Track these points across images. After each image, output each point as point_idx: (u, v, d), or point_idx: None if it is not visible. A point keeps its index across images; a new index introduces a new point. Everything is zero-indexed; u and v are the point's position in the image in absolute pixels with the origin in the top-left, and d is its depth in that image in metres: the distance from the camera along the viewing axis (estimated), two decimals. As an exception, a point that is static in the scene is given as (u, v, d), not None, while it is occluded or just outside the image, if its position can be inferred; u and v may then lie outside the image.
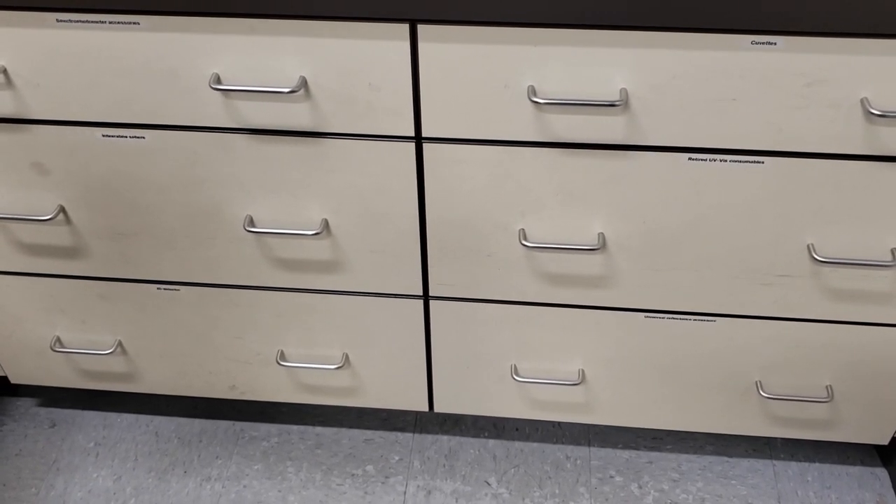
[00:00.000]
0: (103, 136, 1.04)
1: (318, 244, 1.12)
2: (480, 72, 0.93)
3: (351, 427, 1.47)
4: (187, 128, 1.02)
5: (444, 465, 1.41)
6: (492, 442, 1.44)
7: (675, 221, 1.04)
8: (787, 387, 1.21)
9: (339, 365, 1.25)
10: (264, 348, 1.27)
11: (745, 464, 1.40)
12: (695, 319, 1.15)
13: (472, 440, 1.44)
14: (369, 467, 1.41)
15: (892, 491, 1.36)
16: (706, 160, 0.98)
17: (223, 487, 1.38)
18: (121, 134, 1.03)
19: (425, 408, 1.34)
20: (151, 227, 1.12)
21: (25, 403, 1.51)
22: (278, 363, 1.26)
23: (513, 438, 1.45)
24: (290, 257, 1.14)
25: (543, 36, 0.90)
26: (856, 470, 1.39)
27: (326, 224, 1.09)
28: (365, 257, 1.13)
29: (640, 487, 1.37)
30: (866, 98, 0.90)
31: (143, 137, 1.03)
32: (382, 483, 1.38)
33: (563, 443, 1.44)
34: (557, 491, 1.37)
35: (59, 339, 1.29)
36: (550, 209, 1.04)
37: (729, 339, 1.16)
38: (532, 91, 0.92)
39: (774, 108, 0.92)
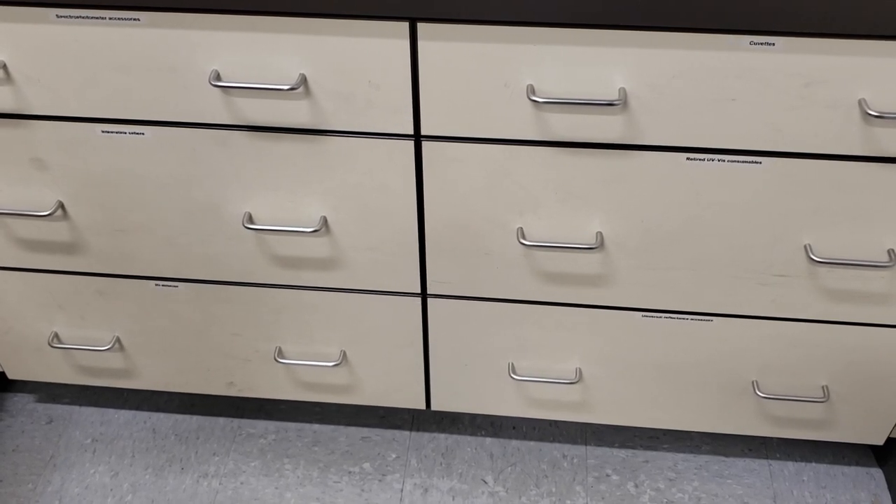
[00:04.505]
0: (102, 132, 1.04)
1: (316, 241, 1.12)
2: (480, 70, 0.93)
3: (348, 425, 1.47)
4: (187, 124, 1.02)
5: (440, 463, 1.41)
6: (489, 440, 1.44)
7: (673, 221, 1.04)
8: (783, 387, 1.22)
9: (337, 362, 1.25)
10: (262, 345, 1.27)
11: (742, 463, 1.40)
12: (692, 319, 1.15)
13: (468, 438, 1.45)
14: (366, 465, 1.41)
15: (887, 491, 1.36)
16: (704, 160, 0.98)
17: (220, 484, 1.38)
18: (120, 130, 1.03)
19: (422, 406, 1.34)
20: (150, 224, 1.13)
21: (23, 399, 1.51)
22: (276, 360, 1.26)
23: (510, 437, 1.45)
24: (289, 254, 1.14)
25: (543, 35, 0.90)
26: (851, 470, 1.39)
27: (325, 221, 1.09)
28: (363, 255, 1.13)
29: (636, 486, 1.37)
30: (864, 99, 0.90)
31: (143, 134, 1.03)
32: (379, 481, 1.38)
33: (559, 441, 1.44)
34: (554, 489, 1.37)
35: (56, 335, 1.29)
36: (549, 208, 1.05)
37: (726, 338, 1.17)
38: (531, 90, 0.92)
39: (772, 109, 0.93)
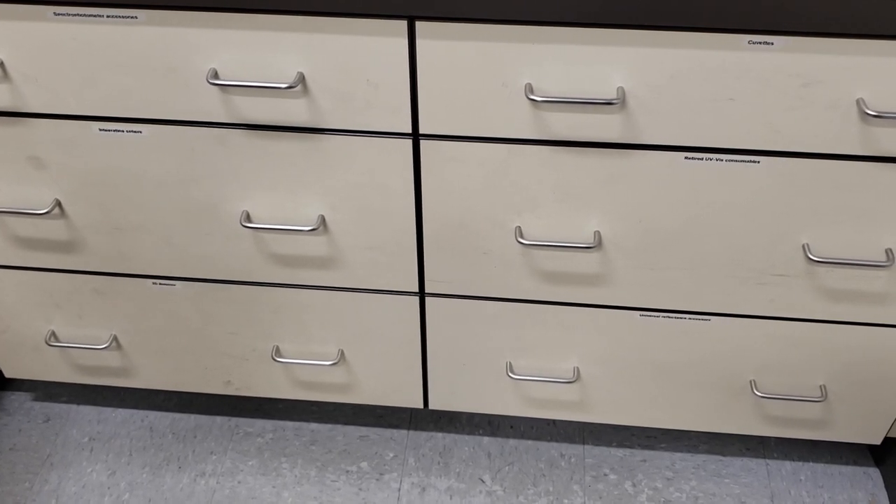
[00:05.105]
0: (100, 130, 1.03)
1: (314, 240, 1.12)
2: (478, 69, 0.93)
3: (346, 424, 1.47)
4: (185, 123, 1.02)
5: (438, 462, 1.41)
6: (486, 439, 1.44)
7: (671, 220, 1.04)
8: (781, 386, 1.22)
9: (335, 361, 1.25)
10: (260, 344, 1.27)
11: (739, 463, 1.40)
12: (690, 318, 1.15)
13: (466, 437, 1.45)
14: (364, 464, 1.41)
15: (884, 490, 1.36)
16: (702, 159, 0.98)
17: (217, 483, 1.38)
18: (118, 128, 1.03)
19: (420, 405, 1.34)
20: (148, 222, 1.12)
21: (20, 398, 1.51)
22: (274, 359, 1.26)
23: (507, 436, 1.45)
24: (287, 253, 1.14)
25: (541, 34, 0.90)
26: (848, 469, 1.39)
27: (323, 220, 1.09)
28: (361, 254, 1.13)
29: (633, 486, 1.37)
30: (862, 99, 0.90)
31: (140, 132, 1.03)
32: (377, 480, 1.38)
33: (557, 440, 1.44)
34: (551, 488, 1.37)
35: (54, 334, 1.29)
36: (547, 207, 1.05)
37: (724, 338, 1.17)
38: (529, 89, 0.92)
39: (771, 108, 0.93)
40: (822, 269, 1.07)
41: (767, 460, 1.41)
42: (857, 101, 0.91)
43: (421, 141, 1.00)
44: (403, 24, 0.90)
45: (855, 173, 0.97)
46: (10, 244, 1.17)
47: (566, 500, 1.35)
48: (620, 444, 1.43)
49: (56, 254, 1.18)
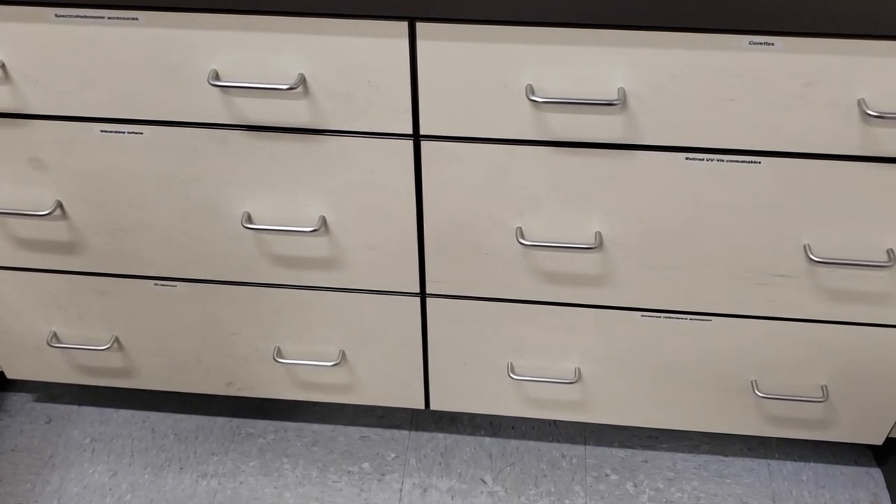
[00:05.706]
0: (101, 131, 1.04)
1: (315, 241, 1.12)
2: (479, 70, 0.93)
3: (347, 424, 1.47)
4: (186, 124, 1.02)
5: (439, 463, 1.41)
6: (488, 440, 1.44)
7: (672, 221, 1.04)
8: (782, 386, 1.22)
9: (336, 362, 1.25)
10: (261, 345, 1.27)
11: (740, 463, 1.40)
12: (691, 319, 1.15)
13: (467, 438, 1.45)
14: (365, 465, 1.41)
15: (886, 491, 1.36)
16: (703, 160, 0.98)
17: (219, 484, 1.38)
18: (119, 130, 1.03)
19: (421, 405, 1.34)
20: (149, 223, 1.13)
21: (22, 399, 1.51)
22: (275, 360, 1.26)
23: (509, 436, 1.45)
24: (288, 254, 1.14)
25: (542, 35, 0.90)
26: (850, 470, 1.39)
27: (324, 221, 1.09)
28: (362, 254, 1.13)
29: (635, 486, 1.37)
30: (863, 99, 0.90)
31: (142, 133, 1.03)
32: (378, 480, 1.38)
33: (558, 441, 1.44)
34: (553, 489, 1.37)
35: (55, 335, 1.29)
36: (548, 207, 1.05)
37: (725, 338, 1.17)
38: (530, 90, 0.92)
39: (772, 109, 0.93)
40: (823, 269, 1.07)
41: (769, 460, 1.41)
42: (858, 102, 0.91)
43: (422, 141, 1.00)
44: (404, 25, 0.90)
45: (856, 173, 0.97)
46: (12, 245, 1.17)
47: (568, 501, 1.35)
48: (622, 445, 1.43)
49: (57, 255, 1.18)
